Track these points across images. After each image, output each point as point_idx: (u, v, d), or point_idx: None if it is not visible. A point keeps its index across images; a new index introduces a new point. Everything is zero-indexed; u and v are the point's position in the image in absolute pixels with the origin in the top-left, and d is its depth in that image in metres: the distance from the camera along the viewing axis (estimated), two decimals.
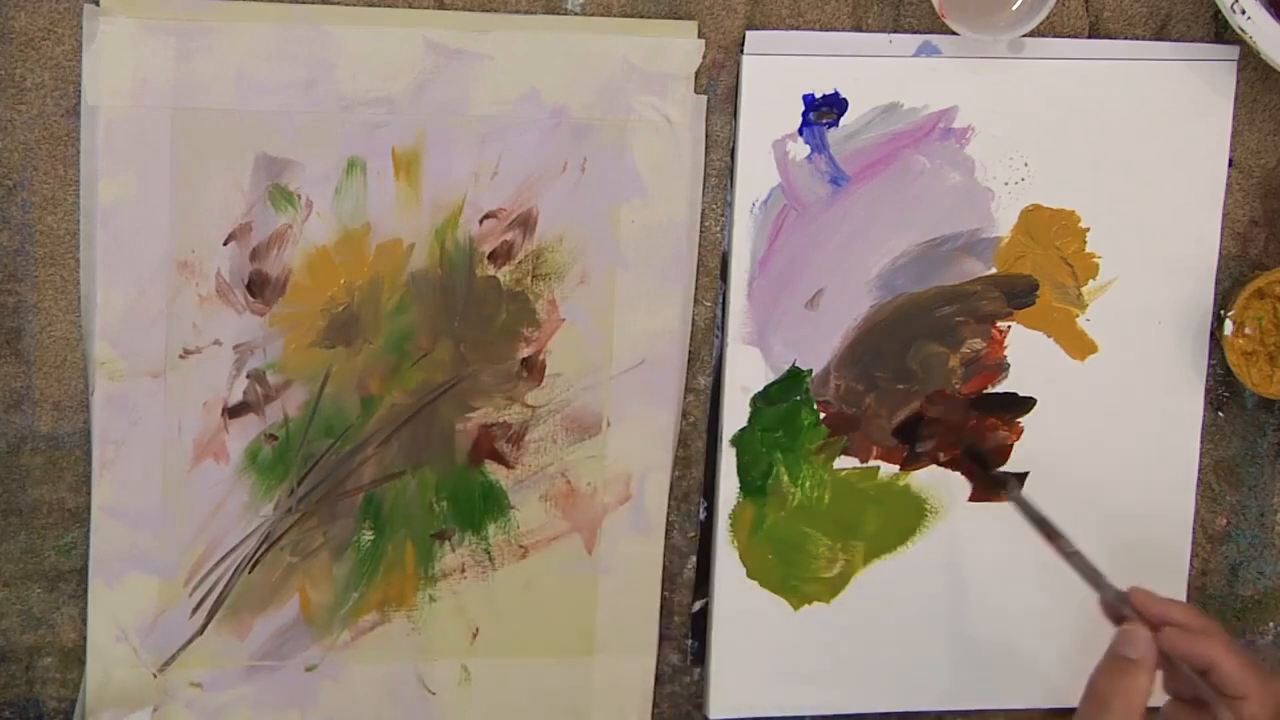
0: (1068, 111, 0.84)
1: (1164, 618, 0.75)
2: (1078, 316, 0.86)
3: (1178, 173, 0.85)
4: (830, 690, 0.87)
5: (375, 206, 0.80)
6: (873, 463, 0.86)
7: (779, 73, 0.82)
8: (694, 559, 0.86)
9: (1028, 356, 0.86)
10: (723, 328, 0.84)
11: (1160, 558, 0.89)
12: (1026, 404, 0.86)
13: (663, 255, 0.82)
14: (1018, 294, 0.85)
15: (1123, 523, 0.88)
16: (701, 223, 0.83)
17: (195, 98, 0.77)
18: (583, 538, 0.84)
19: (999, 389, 0.86)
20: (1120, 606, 0.77)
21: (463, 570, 0.83)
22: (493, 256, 0.81)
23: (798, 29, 0.82)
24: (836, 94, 0.82)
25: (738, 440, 0.84)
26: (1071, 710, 0.89)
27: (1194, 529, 0.89)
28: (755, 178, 0.82)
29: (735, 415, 0.84)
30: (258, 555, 0.81)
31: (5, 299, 0.78)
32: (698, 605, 0.86)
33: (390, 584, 0.83)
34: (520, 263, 0.81)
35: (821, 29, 0.82)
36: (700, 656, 0.86)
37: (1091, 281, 0.86)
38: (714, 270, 0.83)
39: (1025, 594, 0.88)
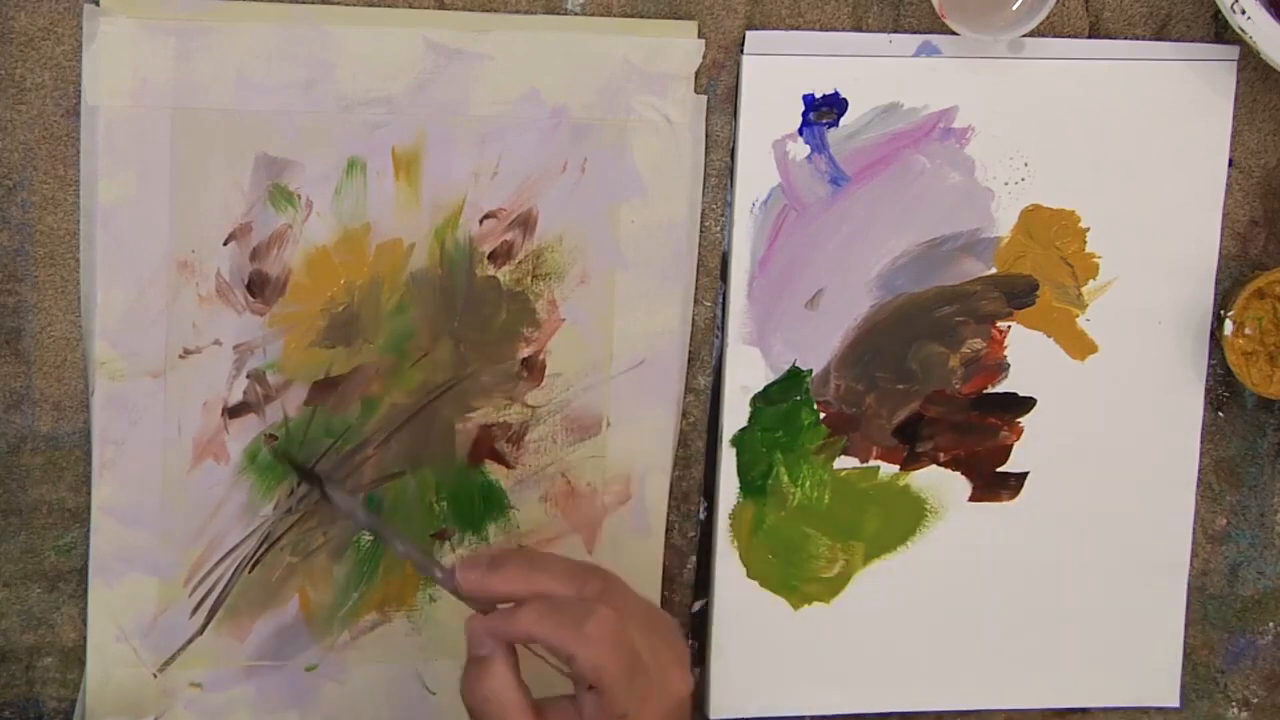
0: (1068, 111, 0.84)
1: (491, 595, 0.70)
2: (1078, 316, 0.86)
3: (1178, 173, 0.85)
4: (830, 690, 0.87)
5: (375, 206, 0.79)
6: (873, 463, 0.86)
7: (779, 73, 0.81)
8: (694, 559, 0.86)
9: (1028, 356, 0.86)
10: (723, 328, 0.84)
11: (1160, 558, 0.89)
12: (1026, 404, 0.86)
13: (663, 255, 0.82)
14: (1018, 294, 0.85)
15: (1123, 523, 0.88)
16: (701, 223, 0.83)
17: (195, 98, 0.77)
18: (583, 538, 0.84)
19: (999, 389, 0.86)
20: (459, 590, 0.72)
21: None
22: (493, 256, 0.81)
23: (798, 29, 0.82)
24: (836, 94, 0.82)
25: (738, 440, 0.84)
26: (1072, 710, 0.90)
27: (1194, 529, 0.89)
28: (755, 178, 0.82)
29: (735, 415, 0.84)
30: (258, 555, 0.81)
31: (5, 299, 0.78)
32: (698, 605, 0.86)
33: (390, 584, 0.83)
34: (520, 263, 0.81)
35: (821, 29, 0.82)
36: (700, 656, 0.86)
37: (1091, 281, 0.86)
38: (714, 270, 0.83)
39: (1025, 594, 0.88)
